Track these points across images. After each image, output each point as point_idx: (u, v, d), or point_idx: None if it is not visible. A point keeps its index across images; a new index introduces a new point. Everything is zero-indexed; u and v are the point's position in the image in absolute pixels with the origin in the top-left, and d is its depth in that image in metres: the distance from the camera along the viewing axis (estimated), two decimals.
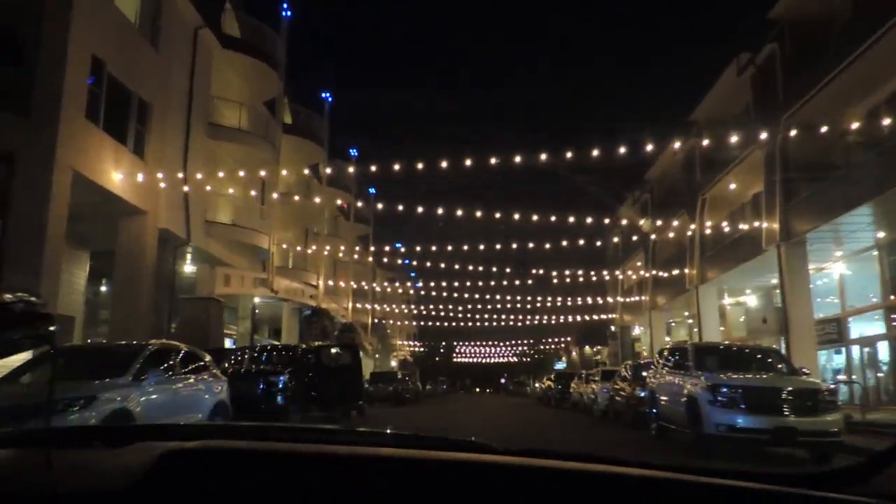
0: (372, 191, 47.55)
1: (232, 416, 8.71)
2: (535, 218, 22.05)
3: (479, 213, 21.39)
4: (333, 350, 14.57)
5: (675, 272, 29.28)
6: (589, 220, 31.03)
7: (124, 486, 1.01)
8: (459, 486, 1.08)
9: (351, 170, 38.18)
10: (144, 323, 16.87)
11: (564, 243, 30.30)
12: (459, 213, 21.51)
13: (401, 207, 27.62)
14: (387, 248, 46.59)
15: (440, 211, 22.49)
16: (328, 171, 33.84)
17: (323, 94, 31.66)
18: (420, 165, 17.74)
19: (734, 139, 23.73)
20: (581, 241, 30.72)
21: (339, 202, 37.42)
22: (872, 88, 17.17)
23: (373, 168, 24.69)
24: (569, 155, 16.62)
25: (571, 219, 29.90)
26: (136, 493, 1.01)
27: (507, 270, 33.34)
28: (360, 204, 45.13)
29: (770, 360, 10.46)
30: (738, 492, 1.10)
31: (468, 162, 16.38)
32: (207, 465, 1.12)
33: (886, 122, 16.45)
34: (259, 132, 24.56)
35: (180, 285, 19.63)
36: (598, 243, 41.52)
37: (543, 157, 16.27)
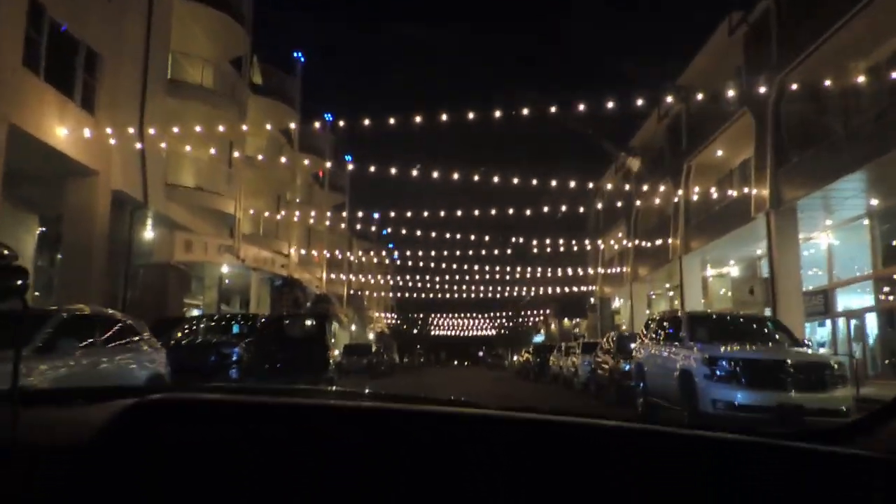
0: (348, 158, 46.32)
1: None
2: (515, 181, 21.00)
3: (457, 176, 20.31)
4: (298, 320, 13.57)
5: (659, 242, 28.52)
6: (571, 184, 30.23)
7: (86, 440, 1.04)
8: (441, 437, 1.08)
9: (322, 130, 36.87)
10: (96, 291, 15.69)
11: (545, 209, 29.39)
12: (437, 175, 20.40)
13: (376, 171, 26.52)
14: (363, 217, 45.54)
15: (418, 174, 21.46)
16: (298, 133, 32.52)
17: (295, 54, 30.19)
18: (396, 123, 16.61)
19: (723, 103, 22.96)
20: (562, 208, 29.84)
21: (310, 168, 36.12)
22: (873, 46, 16.23)
23: (348, 131, 23.67)
24: (552, 109, 15.55)
25: (553, 182, 29.06)
26: (98, 446, 1.04)
27: (486, 238, 32.38)
28: (334, 170, 43.88)
29: (769, 330, 9.62)
30: (738, 445, 1.10)
31: (445, 117, 15.28)
32: (172, 418, 1.11)
33: (885, 83, 15.87)
34: (225, 91, 23.20)
35: (139, 252, 18.41)
36: (581, 209, 40.79)
37: (525, 111, 15.21)
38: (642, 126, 31.51)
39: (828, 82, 17.62)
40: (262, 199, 30.37)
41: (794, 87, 18.22)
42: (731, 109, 21.74)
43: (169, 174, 21.24)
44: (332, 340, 38.43)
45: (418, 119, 15.65)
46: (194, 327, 12.29)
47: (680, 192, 25.35)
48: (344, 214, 42.05)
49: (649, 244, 29.77)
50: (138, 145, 17.11)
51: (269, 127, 29.07)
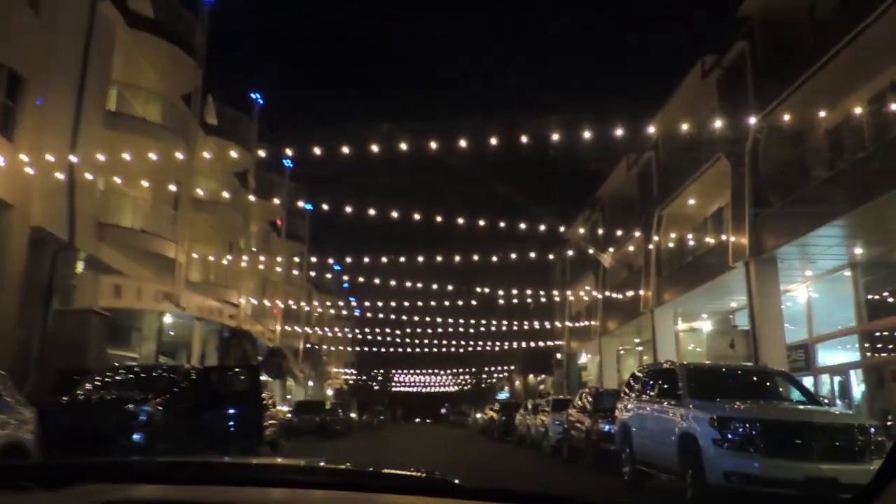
0: (307, 206, 44.85)
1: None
2: (480, 225, 19.79)
3: (419, 219, 18.98)
4: (228, 372, 11.78)
5: (630, 293, 27.37)
6: (534, 251, 29.22)
7: None
8: None
9: (280, 176, 35.42)
10: (5, 339, 13.74)
11: (511, 259, 28.23)
12: (399, 218, 19.11)
13: (337, 219, 25.22)
14: (322, 267, 43.82)
15: (380, 219, 20.39)
16: (255, 177, 31.02)
17: (252, 95, 28.90)
18: (358, 170, 15.29)
19: (697, 149, 22.19)
20: (528, 261, 28.70)
21: (266, 215, 34.51)
22: (853, 88, 15.59)
23: (308, 177, 22.35)
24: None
25: (514, 248, 28.05)
26: None
27: (450, 288, 30.93)
28: (293, 219, 42.26)
29: (778, 385, 8.26)
30: None
31: (408, 155, 14.00)
32: None
33: (869, 124, 15.18)
34: (172, 127, 21.63)
35: (62, 297, 16.46)
36: (549, 258, 39.71)
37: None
38: (611, 175, 30.73)
39: (807, 125, 17.25)
40: (213, 245, 28.59)
41: (772, 130, 17.68)
42: (705, 155, 20.99)
43: (105, 213, 19.48)
44: (279, 397, 36.23)
45: (381, 162, 14.34)
46: (106, 381, 10.41)
47: (654, 239, 24.33)
48: (299, 261, 40.28)
49: (621, 296, 28.60)
50: (63, 177, 15.37)
51: (221, 169, 27.56)
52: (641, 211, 26.56)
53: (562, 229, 35.92)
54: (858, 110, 15.71)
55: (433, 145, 15.56)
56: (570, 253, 35.41)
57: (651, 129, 25.75)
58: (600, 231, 32.38)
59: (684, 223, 24.21)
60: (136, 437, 8.01)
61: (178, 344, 27.47)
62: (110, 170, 18.85)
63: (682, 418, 7.27)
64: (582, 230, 35.50)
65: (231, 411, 9.87)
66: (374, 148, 15.71)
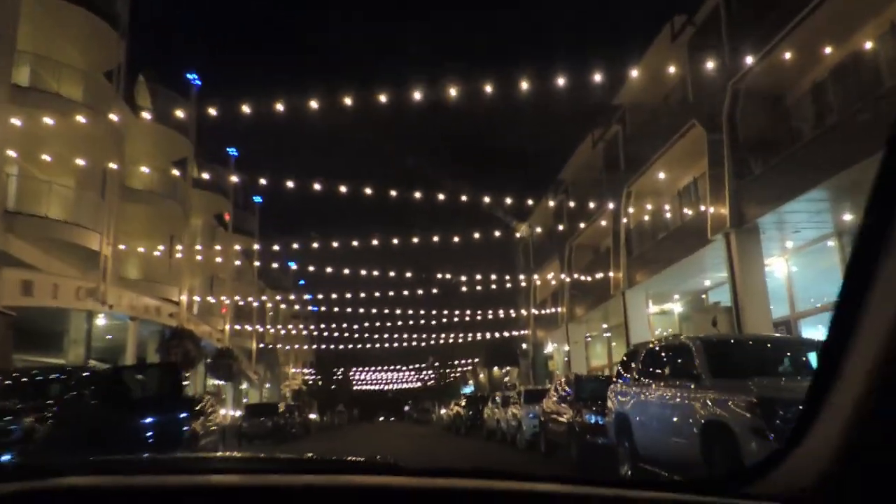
0: (257, 199, 42.62)
1: None
2: (437, 220, 18.21)
3: (375, 205, 17.28)
4: (141, 372, 9.93)
5: (599, 276, 26.04)
6: (496, 236, 27.75)
7: None
8: None
9: (223, 166, 33.27)
10: None
11: (472, 243, 26.75)
12: (355, 210, 17.32)
13: (288, 212, 23.66)
14: (274, 262, 41.55)
15: (333, 210, 18.95)
16: (196, 166, 28.87)
17: (188, 75, 26.67)
18: (307, 158, 13.45)
19: (667, 117, 20.97)
20: (490, 244, 27.31)
21: (212, 208, 32.31)
22: (840, 38, 14.22)
23: (253, 166, 20.49)
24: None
25: (475, 232, 26.52)
26: None
27: (409, 275, 29.27)
28: (242, 213, 40.05)
29: (809, 359, 6.81)
30: (628, 502, 1.11)
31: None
32: None
33: (862, 74, 14.03)
34: (94, 104, 19.43)
35: None
36: (512, 241, 38.23)
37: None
38: (575, 153, 29.39)
39: (788, 83, 16.06)
40: (152, 239, 26.34)
41: (750, 92, 16.42)
42: (677, 124, 19.69)
43: (16, 200, 17.26)
44: (232, 400, 33.98)
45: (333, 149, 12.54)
46: None
47: (624, 219, 23.01)
48: (249, 258, 38.13)
49: (590, 278, 27.27)
50: None
51: (157, 156, 25.38)
52: (608, 189, 25.22)
53: (515, 223, 34.63)
54: (845, 62, 14.53)
55: (385, 115, 14.03)
56: (538, 230, 33.99)
57: (617, 101, 24.58)
58: (565, 213, 31.05)
59: (655, 199, 22.94)
60: (4, 457, 6.15)
61: (116, 348, 25.20)
62: (22, 152, 16.67)
63: (705, 404, 5.75)
64: (546, 212, 34.12)
65: (147, 419, 8.04)
66: (324, 123, 13.97)
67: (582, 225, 27.64)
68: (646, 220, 23.07)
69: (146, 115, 24.50)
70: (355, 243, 23.34)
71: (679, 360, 6.71)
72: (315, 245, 24.92)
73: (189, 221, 26.87)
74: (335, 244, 24.36)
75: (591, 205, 26.09)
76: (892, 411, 1.00)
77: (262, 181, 20.53)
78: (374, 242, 23.33)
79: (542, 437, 13.43)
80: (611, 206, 24.02)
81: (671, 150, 20.25)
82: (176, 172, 26.92)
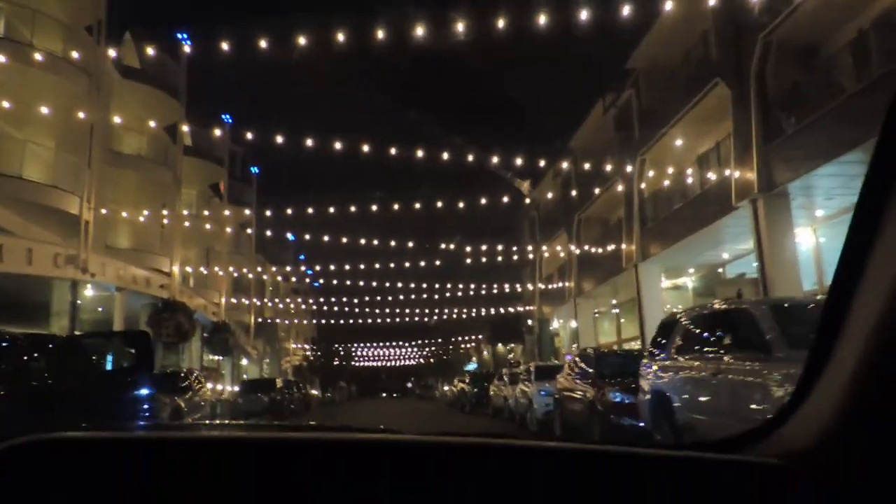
0: (254, 170, 41.34)
1: None
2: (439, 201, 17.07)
3: (375, 174, 16.08)
4: (102, 341, 8.85)
5: (611, 248, 24.87)
6: (502, 204, 26.53)
7: None
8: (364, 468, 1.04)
9: (221, 136, 31.99)
10: None
11: (477, 211, 25.55)
12: (355, 179, 16.14)
13: (286, 181, 22.54)
14: (276, 237, 40.44)
15: (333, 176, 17.85)
16: (191, 133, 27.60)
17: (178, 35, 25.23)
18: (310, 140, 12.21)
19: (689, 79, 19.69)
20: (496, 213, 26.15)
21: (206, 177, 31.05)
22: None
23: (253, 134, 19.35)
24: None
25: (483, 200, 25.31)
26: None
27: (412, 245, 28.14)
28: (239, 183, 38.86)
29: None
30: (635, 458, 1.10)
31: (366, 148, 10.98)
32: (47, 465, 1.04)
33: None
34: (75, 59, 18.16)
35: None
36: (519, 212, 37.04)
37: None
38: (585, 121, 28.04)
39: (825, 34, 14.72)
40: (141, 207, 25.18)
41: (781, 45, 15.01)
42: (696, 86, 18.37)
43: None
44: (231, 376, 33.01)
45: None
46: None
47: (640, 187, 21.78)
48: (249, 231, 36.94)
49: (599, 250, 26.10)
50: None
51: (153, 124, 24.09)
52: (621, 157, 23.92)
53: (524, 185, 33.37)
54: (889, 10, 13.23)
55: (386, 66, 12.94)
56: (549, 195, 32.68)
57: (631, 64, 23.22)
58: (574, 183, 29.80)
59: (672, 166, 21.65)
60: None
61: (107, 322, 24.19)
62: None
63: (782, 380, 4.60)
64: (553, 183, 32.86)
65: (105, 394, 6.94)
66: (323, 78, 12.76)
67: (597, 191, 26.32)
68: (661, 188, 21.82)
69: (133, 75, 23.21)
70: (354, 209, 22.17)
71: (736, 331, 5.55)
72: (313, 212, 23.73)
73: (181, 189, 25.62)
74: (333, 210, 23.23)
75: (602, 174, 24.83)
76: (893, 369, 1.00)
77: (259, 144, 19.34)
78: (375, 208, 22.14)
79: (556, 417, 12.32)
80: (627, 169, 22.70)
81: (691, 112, 18.95)
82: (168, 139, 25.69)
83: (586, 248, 26.93)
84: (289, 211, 26.29)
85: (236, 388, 30.37)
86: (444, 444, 1.12)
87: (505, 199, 26.04)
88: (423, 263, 29.92)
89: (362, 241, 26.72)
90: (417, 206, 23.80)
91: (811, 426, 1.10)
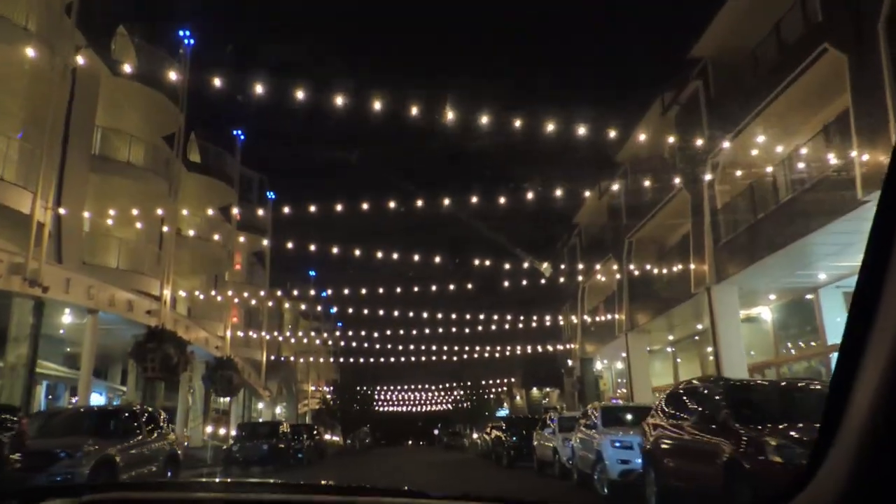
0: (270, 195, 38.43)
1: None
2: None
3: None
4: None
5: (676, 269, 21.10)
6: (539, 232, 23.29)
7: None
8: None
9: (230, 153, 29.20)
10: None
11: (510, 240, 22.32)
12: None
13: (303, 208, 19.65)
14: (295, 274, 37.23)
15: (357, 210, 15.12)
16: (197, 145, 24.72)
17: (180, 32, 22.50)
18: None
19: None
20: (532, 242, 22.76)
21: (212, 196, 27.99)
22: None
23: (264, 159, 16.39)
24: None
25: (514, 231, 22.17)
26: None
27: (437, 281, 24.76)
28: (251, 206, 35.99)
29: None
30: None
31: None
32: None
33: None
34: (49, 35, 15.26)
35: None
36: (552, 248, 33.65)
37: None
38: (638, 124, 24.46)
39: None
40: (132, 220, 22.11)
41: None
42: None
43: None
44: (237, 418, 29.42)
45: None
46: None
47: (711, 189, 18.18)
48: (266, 264, 33.82)
49: (657, 272, 22.36)
50: None
51: (143, 129, 21.31)
52: (686, 162, 20.30)
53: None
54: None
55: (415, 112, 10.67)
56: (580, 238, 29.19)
57: (697, 52, 19.85)
58: (623, 202, 26.23)
59: (753, 168, 17.96)
60: None
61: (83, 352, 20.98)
62: None
63: None
64: (596, 205, 29.31)
65: None
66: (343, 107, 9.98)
67: (654, 205, 22.77)
68: (740, 192, 18.16)
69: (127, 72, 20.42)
70: (380, 254, 19.06)
71: None
72: (335, 247, 20.63)
73: (178, 205, 22.53)
74: (358, 245, 20.18)
75: (662, 186, 21.23)
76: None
77: (276, 167, 16.55)
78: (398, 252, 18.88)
79: (649, 480, 8.49)
80: (699, 175, 19.11)
81: (784, 94, 15.36)
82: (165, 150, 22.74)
83: (646, 268, 23.11)
84: (311, 247, 23.23)
85: (231, 431, 27.01)
86: None
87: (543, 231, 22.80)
88: (452, 291, 26.37)
89: (386, 279, 23.70)
90: (447, 233, 20.57)
91: (828, 492, 1.09)
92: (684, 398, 8.11)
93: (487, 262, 23.99)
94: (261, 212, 28.72)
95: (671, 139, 21.48)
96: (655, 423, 8.52)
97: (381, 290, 28.28)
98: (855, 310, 1.08)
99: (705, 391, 7.50)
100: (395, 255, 22.58)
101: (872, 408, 0.99)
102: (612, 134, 14.92)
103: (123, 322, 19.59)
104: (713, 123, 19.26)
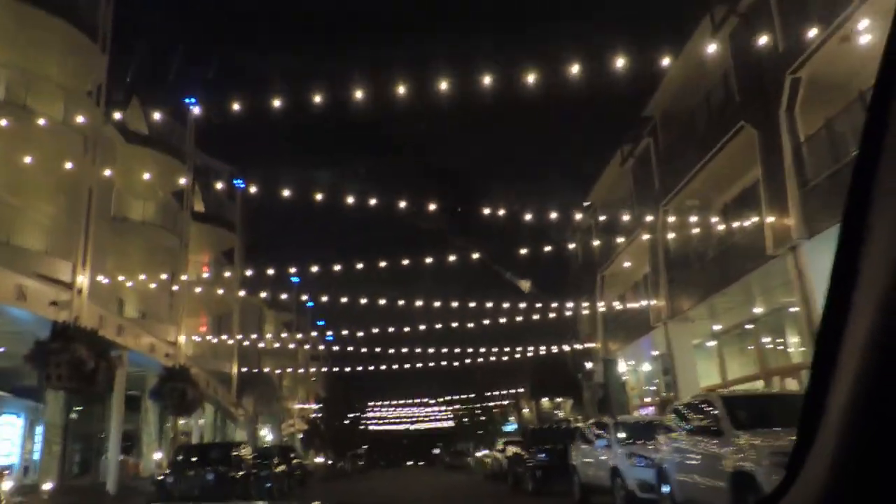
0: (239, 183, 33.70)
1: None
2: None
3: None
4: None
5: (741, 230, 16.42)
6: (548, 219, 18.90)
7: None
8: None
9: (179, 122, 24.69)
10: None
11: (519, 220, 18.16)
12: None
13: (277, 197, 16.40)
14: (264, 269, 32.28)
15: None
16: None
17: (186, 99, 17.97)
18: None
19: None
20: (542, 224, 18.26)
21: (160, 171, 23.14)
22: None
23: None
24: None
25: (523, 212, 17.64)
26: None
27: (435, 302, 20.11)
28: (214, 196, 31.36)
29: None
30: None
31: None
32: None
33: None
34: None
35: None
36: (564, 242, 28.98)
37: None
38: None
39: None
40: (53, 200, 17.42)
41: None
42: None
43: None
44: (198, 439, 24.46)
45: None
46: None
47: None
48: (236, 264, 29.06)
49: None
50: None
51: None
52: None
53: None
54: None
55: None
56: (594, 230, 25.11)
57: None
58: (654, 161, 21.62)
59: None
60: None
61: None
62: None
63: None
64: (617, 172, 24.74)
65: None
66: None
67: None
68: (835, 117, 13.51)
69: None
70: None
71: None
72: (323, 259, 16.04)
73: (103, 179, 17.77)
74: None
75: (700, 145, 16.67)
76: (872, 456, 1.00)
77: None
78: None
79: None
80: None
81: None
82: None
83: (691, 232, 18.44)
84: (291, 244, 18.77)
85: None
86: None
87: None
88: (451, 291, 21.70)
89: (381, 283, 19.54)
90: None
91: (807, 498, 1.10)
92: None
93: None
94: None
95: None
96: None
97: (373, 295, 23.75)
98: (824, 322, 1.06)
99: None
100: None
101: (846, 414, 0.98)
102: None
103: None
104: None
